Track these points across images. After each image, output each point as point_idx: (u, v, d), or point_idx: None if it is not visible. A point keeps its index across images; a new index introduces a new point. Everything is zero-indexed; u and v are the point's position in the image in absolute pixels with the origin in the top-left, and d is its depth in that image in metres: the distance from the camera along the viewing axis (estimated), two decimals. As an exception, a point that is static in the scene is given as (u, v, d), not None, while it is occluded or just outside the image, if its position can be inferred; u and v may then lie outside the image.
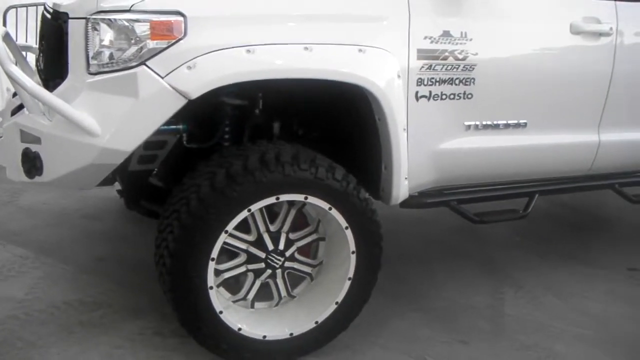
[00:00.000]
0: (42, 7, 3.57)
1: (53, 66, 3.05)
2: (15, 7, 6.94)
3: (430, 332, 3.50)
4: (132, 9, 2.70)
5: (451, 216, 4.52)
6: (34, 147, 2.90)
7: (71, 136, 2.73)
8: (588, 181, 4.03)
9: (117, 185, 4.24)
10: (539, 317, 3.72)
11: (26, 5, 7.04)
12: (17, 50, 3.72)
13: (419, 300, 3.81)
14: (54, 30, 3.05)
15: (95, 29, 2.74)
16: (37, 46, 3.84)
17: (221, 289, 3.04)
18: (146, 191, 3.80)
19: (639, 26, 3.82)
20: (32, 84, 2.82)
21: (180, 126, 3.16)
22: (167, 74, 2.65)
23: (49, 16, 3.34)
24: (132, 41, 2.69)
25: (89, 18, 2.74)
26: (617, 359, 3.41)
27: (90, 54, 2.75)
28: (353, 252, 3.08)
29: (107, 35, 2.73)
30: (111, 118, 2.69)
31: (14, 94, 3.80)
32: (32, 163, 2.91)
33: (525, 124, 3.56)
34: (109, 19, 2.72)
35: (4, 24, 6.85)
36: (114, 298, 3.61)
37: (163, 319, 3.39)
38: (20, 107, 3.33)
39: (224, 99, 3.14)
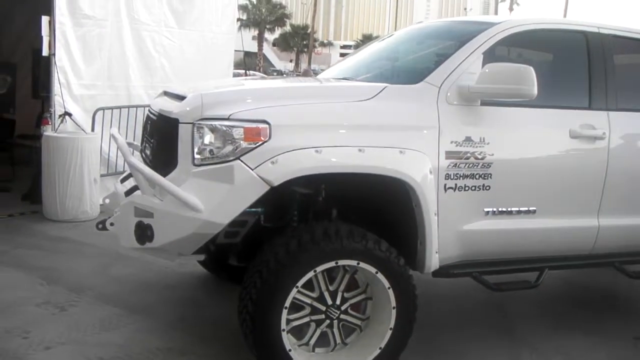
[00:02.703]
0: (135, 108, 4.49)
1: (163, 157, 3.95)
2: (103, 109, 8.09)
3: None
4: (230, 117, 3.62)
5: (476, 292, 5.34)
6: (146, 220, 3.75)
7: (180, 211, 3.60)
8: (592, 259, 4.78)
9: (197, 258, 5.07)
10: (550, 374, 4.44)
11: (111, 108, 8.18)
12: None
13: (445, 357, 4.52)
14: (165, 131, 3.96)
15: (200, 132, 3.66)
16: (142, 139, 4.78)
17: (289, 335, 3.80)
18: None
19: (627, 131, 4.64)
20: (151, 171, 3.76)
21: (259, 209, 4.01)
22: (256, 167, 3.55)
23: (154, 117, 4.29)
24: (229, 141, 3.59)
25: (195, 123, 3.67)
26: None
27: (196, 150, 3.66)
28: (394, 308, 3.86)
29: (209, 136, 3.64)
30: (212, 198, 3.57)
31: (122, 180, 4.74)
32: (143, 232, 3.75)
33: (535, 210, 4.34)
34: (211, 125, 3.65)
35: (93, 123, 7.99)
36: (196, 347, 4.42)
37: (238, 363, 4.20)
38: (131, 190, 4.26)
39: (294, 188, 4.01)
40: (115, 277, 5.74)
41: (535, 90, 3.86)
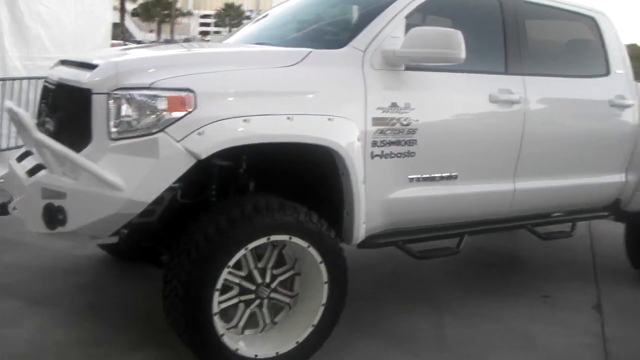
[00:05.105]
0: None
1: (73, 132, 3.58)
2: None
3: (386, 351, 4.17)
4: (152, 86, 3.33)
5: (389, 262, 5.43)
6: (57, 202, 3.41)
7: (98, 190, 3.29)
8: (507, 222, 4.85)
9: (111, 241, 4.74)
10: (474, 336, 4.47)
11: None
12: None
13: (374, 329, 4.46)
14: (74, 103, 3.60)
15: (117, 103, 3.33)
16: (40, 113, 4.34)
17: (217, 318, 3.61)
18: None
19: (541, 95, 4.70)
20: (63, 148, 3.40)
21: (177, 184, 3.76)
22: (182, 139, 3.28)
23: (55, 88, 3.91)
24: (151, 112, 3.31)
25: (111, 94, 3.34)
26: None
27: (113, 123, 3.34)
28: (326, 282, 3.73)
29: (128, 107, 3.33)
30: (134, 174, 3.28)
31: (19, 158, 4.31)
32: (54, 216, 3.40)
33: (456, 176, 4.32)
34: (130, 95, 3.34)
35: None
36: (113, 336, 4.10)
37: (161, 350, 3.93)
38: (34, 170, 3.86)
39: (214, 161, 3.78)
40: (7, 266, 5.24)
41: (463, 54, 3.80)
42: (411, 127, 4.00)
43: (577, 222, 5.41)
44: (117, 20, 57.35)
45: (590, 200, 5.32)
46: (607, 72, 5.26)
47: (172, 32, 63.68)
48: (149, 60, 3.71)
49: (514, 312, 4.93)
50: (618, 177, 5.36)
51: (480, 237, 6.36)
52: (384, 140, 3.92)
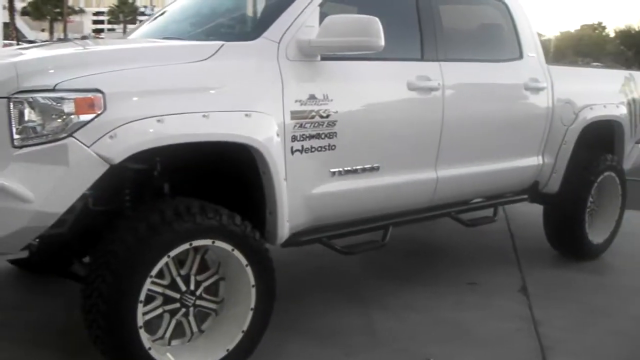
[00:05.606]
0: None
1: None
2: None
3: (318, 350, 4.04)
4: (56, 88, 3.07)
5: (308, 258, 5.35)
6: None
7: (3, 204, 3.02)
8: (430, 211, 4.81)
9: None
10: (406, 329, 4.38)
11: None
12: None
13: (306, 330, 4.31)
14: None
15: (19, 107, 3.06)
16: None
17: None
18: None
19: (458, 80, 4.66)
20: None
21: (87, 191, 3.52)
22: (92, 144, 3.05)
23: None
24: (58, 116, 3.06)
25: (12, 97, 3.06)
26: (475, 349, 4.15)
27: (15, 130, 3.06)
28: (253, 286, 3.58)
29: (31, 112, 3.06)
30: (43, 184, 3.03)
31: None
32: None
33: (379, 167, 4.23)
34: (33, 98, 3.07)
35: None
36: (28, 357, 3.84)
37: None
38: None
39: (126, 164, 3.55)
40: None
41: (381, 42, 3.70)
42: (331, 119, 3.88)
43: (498, 206, 5.43)
44: (7, 20, 55.26)
45: (510, 184, 5.35)
46: (520, 56, 5.29)
47: (65, 30, 62.01)
48: (51, 60, 3.45)
49: (442, 301, 4.89)
50: (535, 160, 5.42)
51: (402, 227, 6.35)
52: (303, 134, 3.79)
